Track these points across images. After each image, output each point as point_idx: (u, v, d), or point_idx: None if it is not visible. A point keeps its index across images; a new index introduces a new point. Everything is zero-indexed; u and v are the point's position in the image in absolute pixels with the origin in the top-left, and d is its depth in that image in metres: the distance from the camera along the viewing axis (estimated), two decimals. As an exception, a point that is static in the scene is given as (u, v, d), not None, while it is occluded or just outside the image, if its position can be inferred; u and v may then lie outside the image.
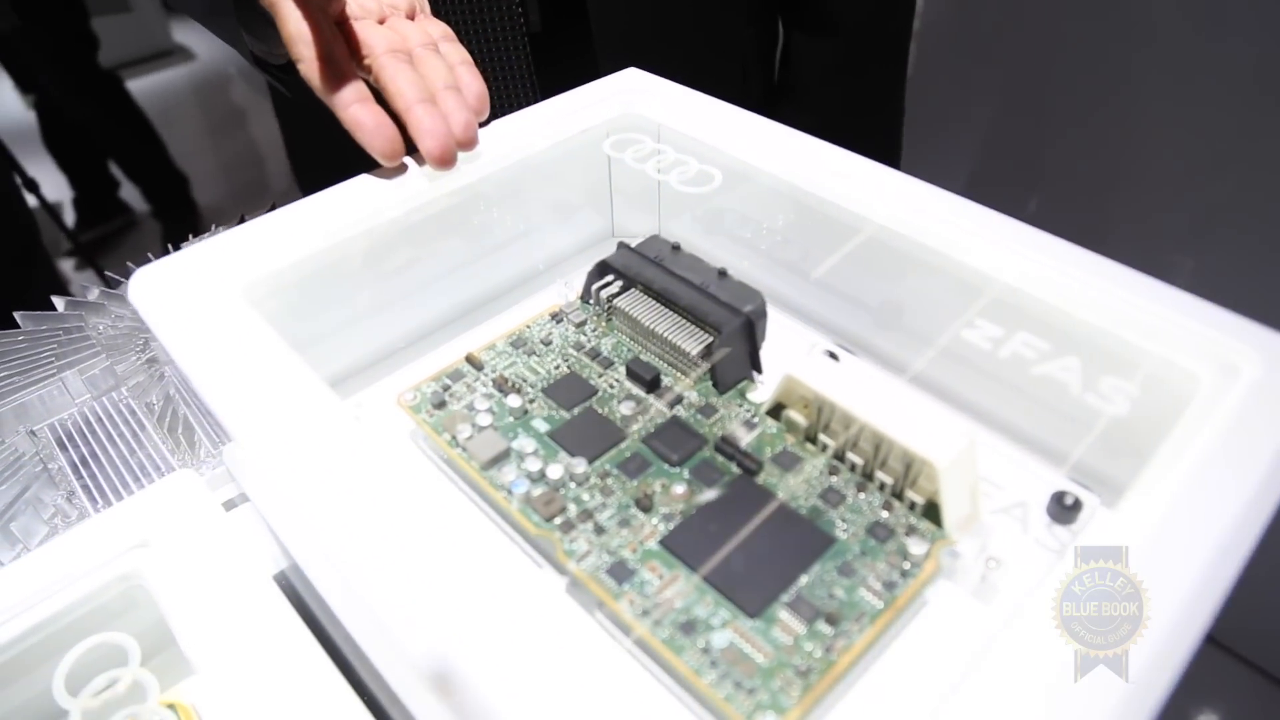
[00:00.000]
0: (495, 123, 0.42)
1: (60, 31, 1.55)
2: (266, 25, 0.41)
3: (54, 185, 1.72)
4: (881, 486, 0.31)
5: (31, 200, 1.52)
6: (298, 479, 0.27)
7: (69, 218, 1.75)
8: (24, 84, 1.75)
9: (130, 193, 1.80)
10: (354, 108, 0.37)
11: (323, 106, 0.40)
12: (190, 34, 2.38)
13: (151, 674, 0.31)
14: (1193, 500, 0.24)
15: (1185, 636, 0.22)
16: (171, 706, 0.31)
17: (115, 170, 1.77)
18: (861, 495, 0.31)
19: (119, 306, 0.58)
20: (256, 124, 2.14)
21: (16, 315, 0.56)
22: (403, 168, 0.39)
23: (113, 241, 1.74)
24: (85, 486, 0.47)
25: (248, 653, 0.31)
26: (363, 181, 0.38)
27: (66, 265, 1.65)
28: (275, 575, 0.36)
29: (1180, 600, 0.22)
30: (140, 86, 1.95)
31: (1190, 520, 0.23)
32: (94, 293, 0.59)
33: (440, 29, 0.43)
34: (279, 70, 0.52)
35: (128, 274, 0.60)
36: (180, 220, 1.77)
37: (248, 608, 0.32)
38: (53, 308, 0.58)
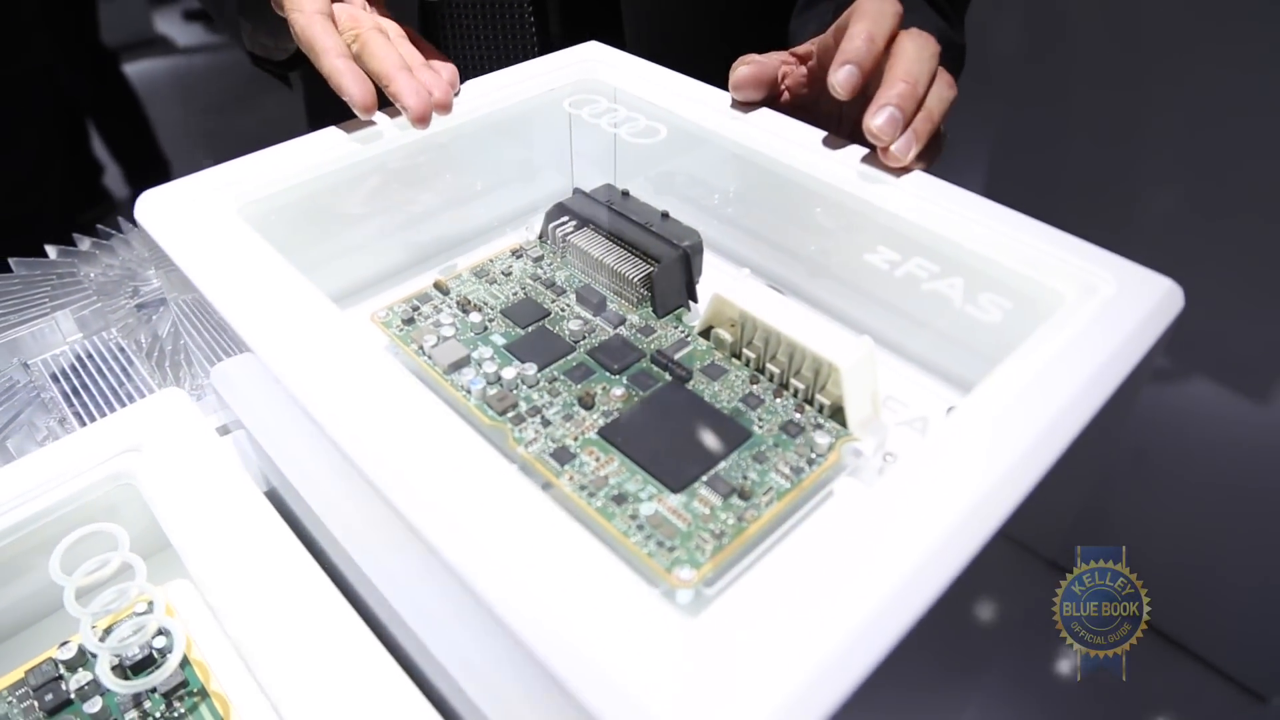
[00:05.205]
0: (463, 84, 0.46)
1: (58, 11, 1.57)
2: (271, 19, 0.45)
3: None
4: (795, 392, 0.35)
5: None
6: (302, 381, 0.29)
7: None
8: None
9: (114, 177, 1.82)
10: (336, 59, 0.41)
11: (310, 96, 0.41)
12: (172, 25, 2.41)
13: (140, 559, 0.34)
14: (1028, 396, 0.28)
15: (985, 522, 0.25)
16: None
17: (100, 153, 1.79)
18: (778, 400, 0.35)
19: (109, 257, 0.62)
20: (239, 115, 2.16)
21: (11, 260, 0.59)
22: (375, 120, 0.43)
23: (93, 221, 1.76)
24: (76, 413, 0.50)
25: (237, 559, 0.34)
26: (335, 131, 0.42)
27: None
28: (266, 492, 0.39)
29: (984, 486, 0.25)
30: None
31: (1018, 415, 0.27)
32: (85, 244, 0.63)
33: (398, 28, 0.47)
34: (276, 67, 0.57)
35: (119, 228, 0.64)
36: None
37: (237, 517, 0.35)
38: (45, 255, 0.61)
